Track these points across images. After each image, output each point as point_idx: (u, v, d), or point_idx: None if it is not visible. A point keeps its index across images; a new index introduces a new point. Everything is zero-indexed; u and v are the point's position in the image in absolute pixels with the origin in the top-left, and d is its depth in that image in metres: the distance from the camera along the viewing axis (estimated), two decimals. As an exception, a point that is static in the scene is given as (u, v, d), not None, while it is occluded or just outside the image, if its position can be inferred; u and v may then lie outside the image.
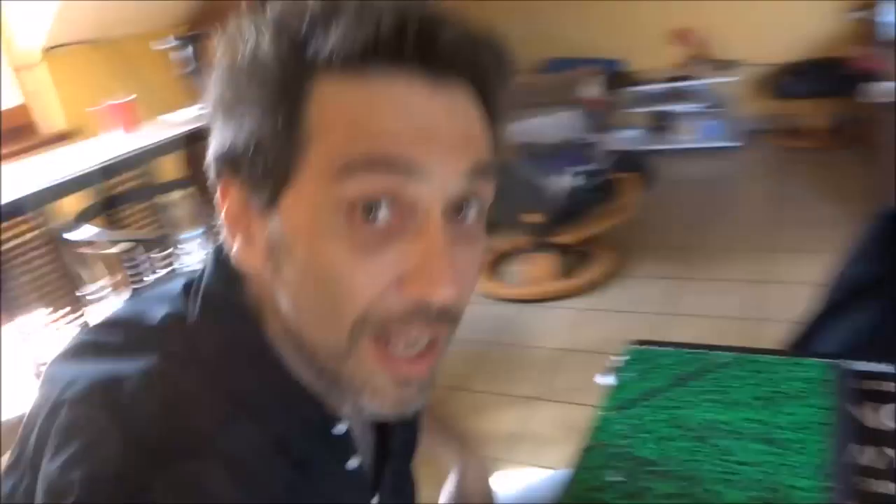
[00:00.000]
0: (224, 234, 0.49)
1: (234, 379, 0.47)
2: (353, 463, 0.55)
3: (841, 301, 1.04)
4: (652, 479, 0.77)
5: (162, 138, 2.17)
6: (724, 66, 4.25)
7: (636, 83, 4.41)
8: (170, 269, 2.34)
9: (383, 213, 0.43)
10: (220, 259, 0.51)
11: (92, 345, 0.50)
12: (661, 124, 4.56)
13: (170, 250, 2.14)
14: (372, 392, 0.46)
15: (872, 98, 2.88)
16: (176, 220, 2.47)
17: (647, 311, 2.74)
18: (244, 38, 0.44)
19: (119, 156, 2.02)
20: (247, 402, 0.47)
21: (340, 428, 0.53)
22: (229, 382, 0.47)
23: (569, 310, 2.84)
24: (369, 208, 0.42)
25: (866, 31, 3.62)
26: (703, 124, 4.39)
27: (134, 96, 2.47)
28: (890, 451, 0.75)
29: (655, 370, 0.96)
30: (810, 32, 4.11)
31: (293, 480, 0.48)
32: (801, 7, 4.07)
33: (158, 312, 0.50)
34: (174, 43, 2.64)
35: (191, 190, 2.34)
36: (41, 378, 0.50)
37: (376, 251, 0.43)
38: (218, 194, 0.48)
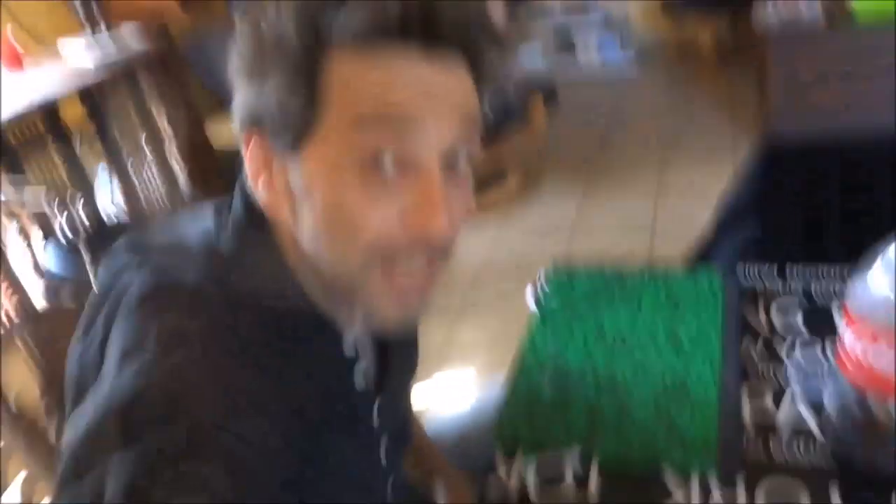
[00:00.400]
0: (248, 176, 0.57)
1: (265, 298, 0.55)
2: (358, 368, 0.64)
3: (730, 217, 1.18)
4: (577, 382, 0.89)
5: (59, 85, 2.03)
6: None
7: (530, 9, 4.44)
8: (89, 217, 2.26)
9: (389, 163, 0.51)
10: (246, 193, 0.58)
11: (142, 246, 0.59)
12: (560, 44, 4.65)
13: (84, 196, 2.07)
14: (381, 307, 0.56)
15: (762, 16, 3.06)
16: (81, 164, 2.36)
17: (556, 224, 2.91)
18: (266, 13, 0.51)
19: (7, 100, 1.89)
20: (275, 317, 0.55)
21: (349, 339, 0.63)
22: (261, 301, 0.55)
23: (485, 228, 2.96)
24: (377, 159, 0.50)
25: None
26: (600, 42, 4.51)
27: (8, 27, 2.28)
28: (775, 341, 0.90)
29: (575, 287, 1.07)
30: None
31: (309, 382, 0.58)
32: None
33: (194, 234, 0.59)
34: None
35: (93, 130, 2.23)
36: (104, 266, 0.59)
37: (384, 193, 0.51)
38: (242, 143, 0.56)
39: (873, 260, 0.66)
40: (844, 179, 1.08)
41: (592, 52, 4.53)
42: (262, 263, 0.58)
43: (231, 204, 0.60)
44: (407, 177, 0.52)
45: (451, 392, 1.39)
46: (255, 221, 0.58)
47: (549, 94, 3.23)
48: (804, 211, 1.10)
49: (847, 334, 0.69)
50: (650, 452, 0.77)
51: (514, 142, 3.10)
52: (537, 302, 1.07)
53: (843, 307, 0.70)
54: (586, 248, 2.66)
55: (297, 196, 0.54)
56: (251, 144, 0.55)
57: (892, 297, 0.64)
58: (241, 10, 0.54)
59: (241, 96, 0.54)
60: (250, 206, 0.58)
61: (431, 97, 0.51)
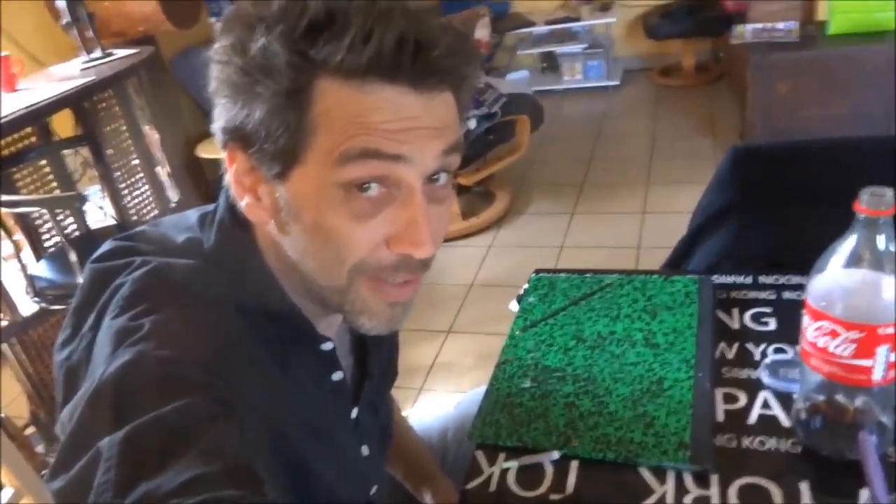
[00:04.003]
0: (232, 190, 0.58)
1: (249, 301, 0.58)
2: (337, 376, 0.67)
3: (704, 225, 1.21)
4: (557, 382, 0.91)
5: (49, 95, 2.07)
6: (603, 7, 4.44)
7: (522, 25, 4.53)
8: (76, 228, 2.28)
9: (374, 189, 0.53)
10: (230, 201, 0.60)
11: (130, 248, 0.61)
12: (547, 65, 4.73)
13: (75, 209, 2.09)
14: (369, 314, 0.59)
15: (737, 38, 3.13)
16: (71, 178, 2.38)
17: (544, 244, 2.94)
18: (255, 34, 0.51)
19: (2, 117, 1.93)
20: (257, 319, 0.58)
21: (328, 345, 0.65)
22: (245, 304, 0.57)
23: (474, 248, 3.00)
24: (364, 185, 0.53)
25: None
26: (585, 64, 4.59)
27: (7, 53, 2.32)
28: (749, 346, 0.93)
29: (555, 294, 1.10)
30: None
31: (287, 387, 0.60)
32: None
33: (180, 237, 0.61)
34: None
35: (84, 146, 2.26)
36: (85, 275, 0.61)
37: (370, 217, 0.54)
38: (225, 157, 0.57)
39: (830, 254, 0.69)
40: (817, 186, 1.12)
41: (578, 74, 4.61)
42: (246, 267, 0.60)
43: (216, 209, 0.63)
44: (392, 200, 0.54)
45: (440, 408, 1.42)
46: (239, 227, 0.60)
47: (536, 116, 3.29)
48: (778, 218, 1.14)
49: (808, 326, 0.72)
50: (628, 450, 0.79)
51: (503, 163, 3.15)
52: (520, 306, 1.10)
53: (804, 302, 0.73)
54: (568, 264, 2.69)
55: (283, 214, 0.56)
56: (236, 161, 0.56)
57: (846, 287, 0.67)
58: (227, 28, 0.53)
59: (226, 114, 0.54)
60: (234, 212, 0.60)
61: (419, 129, 0.53)
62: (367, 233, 0.54)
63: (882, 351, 0.67)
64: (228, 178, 0.58)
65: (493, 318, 2.40)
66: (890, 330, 0.66)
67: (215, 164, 0.74)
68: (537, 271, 1.17)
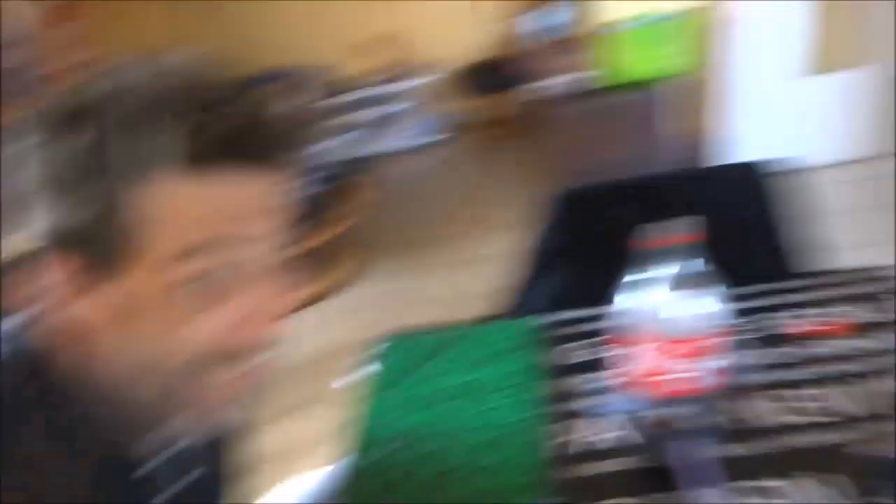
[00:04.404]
0: (59, 294, 0.53)
1: (67, 403, 0.54)
2: (162, 482, 0.61)
3: (537, 270, 1.29)
4: (419, 438, 0.92)
5: None
6: (418, 69, 4.67)
7: (343, 90, 4.63)
8: None
9: (217, 278, 0.51)
10: (33, 316, 0.55)
11: None
12: (373, 127, 4.85)
13: None
14: (201, 414, 0.55)
15: (541, 92, 3.43)
16: None
17: (391, 301, 2.96)
18: (83, 127, 0.48)
19: None
20: (61, 441, 0.53)
21: (145, 468, 0.60)
22: (41, 423, 0.52)
23: (319, 314, 2.94)
24: (201, 279, 0.51)
25: (532, 35, 4.26)
26: (403, 125, 4.78)
27: None
28: (584, 378, 1.00)
29: (408, 351, 1.11)
30: (488, 35, 4.71)
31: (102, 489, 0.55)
32: (480, 12, 4.65)
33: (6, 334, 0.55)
34: None
35: None
36: None
37: (213, 307, 0.52)
38: (53, 260, 0.52)
39: (649, 282, 0.76)
40: (636, 220, 1.24)
41: (404, 134, 4.77)
42: (41, 386, 0.54)
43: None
44: (237, 289, 0.53)
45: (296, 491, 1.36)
46: (42, 345, 0.55)
47: (368, 178, 3.35)
48: (598, 255, 1.24)
49: (637, 349, 0.79)
50: (490, 497, 0.81)
51: (341, 226, 3.16)
52: (368, 372, 1.10)
53: (631, 328, 0.80)
54: (416, 319, 2.73)
55: (115, 312, 0.52)
56: (64, 261, 0.52)
57: (666, 308, 0.75)
58: (46, 120, 0.50)
59: (53, 211, 0.51)
60: (35, 327, 0.55)
61: (253, 212, 0.52)
62: (207, 324, 0.52)
63: (704, 361, 0.75)
64: (53, 278, 0.53)
65: (346, 386, 2.36)
66: (708, 341, 0.74)
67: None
68: (388, 332, 1.18)
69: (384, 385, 1.05)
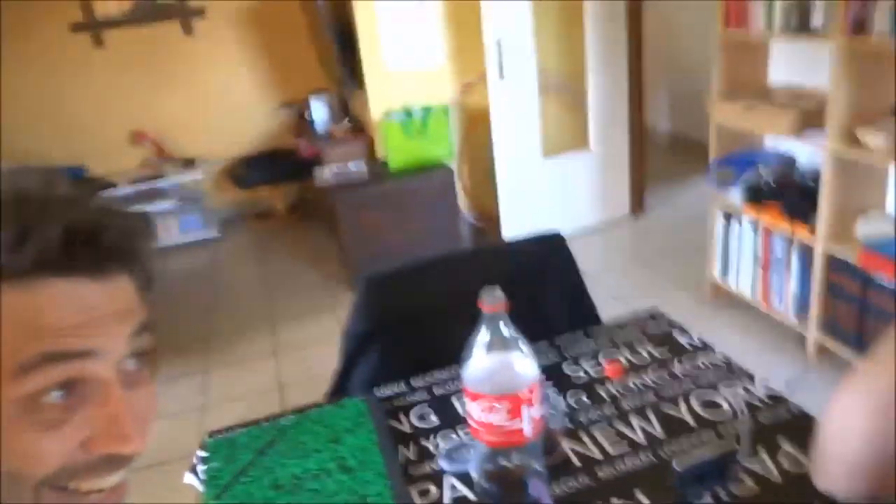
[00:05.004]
0: None
1: None
2: None
3: (353, 348, 1.35)
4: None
5: None
6: (186, 164, 4.54)
7: (105, 187, 4.32)
8: None
9: (64, 393, 0.48)
10: None
11: None
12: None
13: None
14: None
15: (320, 180, 3.53)
16: None
17: (184, 409, 2.76)
18: None
19: None
20: None
21: None
22: None
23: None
24: (51, 392, 0.47)
25: (302, 125, 4.38)
26: (180, 220, 4.58)
27: None
28: (423, 442, 1.06)
29: (238, 450, 1.09)
30: (258, 127, 4.74)
31: None
32: (245, 105, 4.69)
33: None
34: None
35: None
36: None
37: (61, 424, 0.48)
38: None
39: (471, 346, 0.86)
40: (441, 294, 1.35)
41: (175, 231, 4.56)
42: None
43: None
44: (86, 400, 0.50)
45: None
46: None
47: (145, 283, 3.14)
48: (415, 328, 1.33)
49: (470, 407, 0.88)
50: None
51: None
52: (201, 479, 1.05)
53: (463, 389, 0.89)
54: (223, 422, 2.59)
55: None
56: None
57: (489, 368, 0.85)
58: None
59: None
60: None
61: (102, 318, 0.50)
62: (60, 442, 0.49)
63: (526, 411, 0.86)
64: None
65: (157, 497, 2.15)
66: (527, 394, 0.85)
67: None
68: (211, 434, 1.14)
69: (217, 488, 1.01)
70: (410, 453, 1.05)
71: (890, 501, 0.62)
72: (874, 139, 2.07)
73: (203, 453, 1.10)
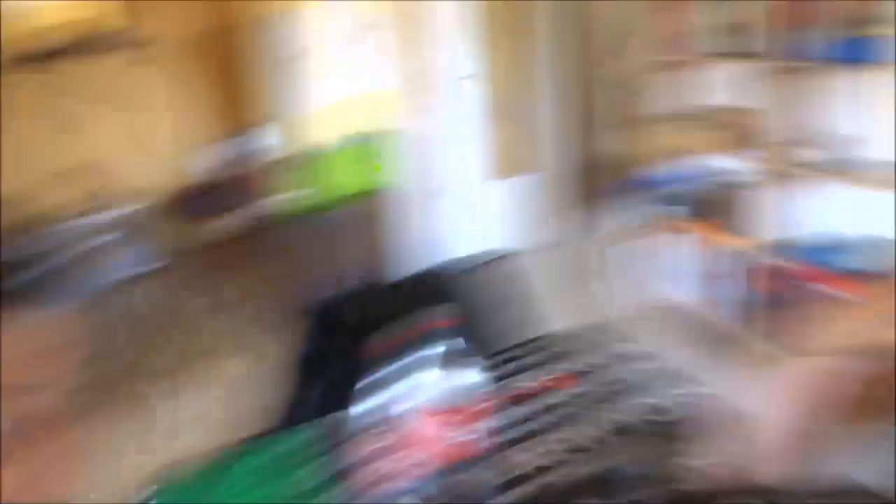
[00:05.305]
0: None
1: None
2: None
3: (304, 377, 1.34)
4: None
5: None
6: (125, 197, 4.43)
7: (41, 226, 4.18)
8: None
9: None
10: None
11: None
12: (80, 261, 4.43)
13: None
14: None
15: (256, 214, 3.50)
16: None
17: (133, 448, 2.67)
18: None
19: None
20: None
21: None
22: None
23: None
24: None
25: (242, 157, 4.35)
26: (119, 254, 4.46)
27: None
28: (377, 464, 1.06)
29: (186, 489, 1.06)
30: (198, 160, 4.67)
31: None
32: (189, 136, 4.62)
33: None
34: None
35: None
36: None
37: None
38: None
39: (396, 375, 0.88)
40: (385, 313, 1.36)
41: (113, 264, 4.43)
42: None
43: None
44: (16, 445, 0.49)
45: None
46: None
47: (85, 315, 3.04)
48: (356, 350, 1.33)
49: (425, 426, 0.89)
50: None
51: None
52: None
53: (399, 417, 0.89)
54: (167, 456, 2.52)
55: None
56: None
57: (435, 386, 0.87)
58: None
59: None
60: None
61: (33, 357, 0.51)
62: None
63: (474, 426, 0.87)
64: None
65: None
66: (475, 408, 0.87)
67: None
68: (153, 479, 1.11)
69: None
70: (364, 477, 1.05)
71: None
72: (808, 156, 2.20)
73: (151, 491, 1.07)
